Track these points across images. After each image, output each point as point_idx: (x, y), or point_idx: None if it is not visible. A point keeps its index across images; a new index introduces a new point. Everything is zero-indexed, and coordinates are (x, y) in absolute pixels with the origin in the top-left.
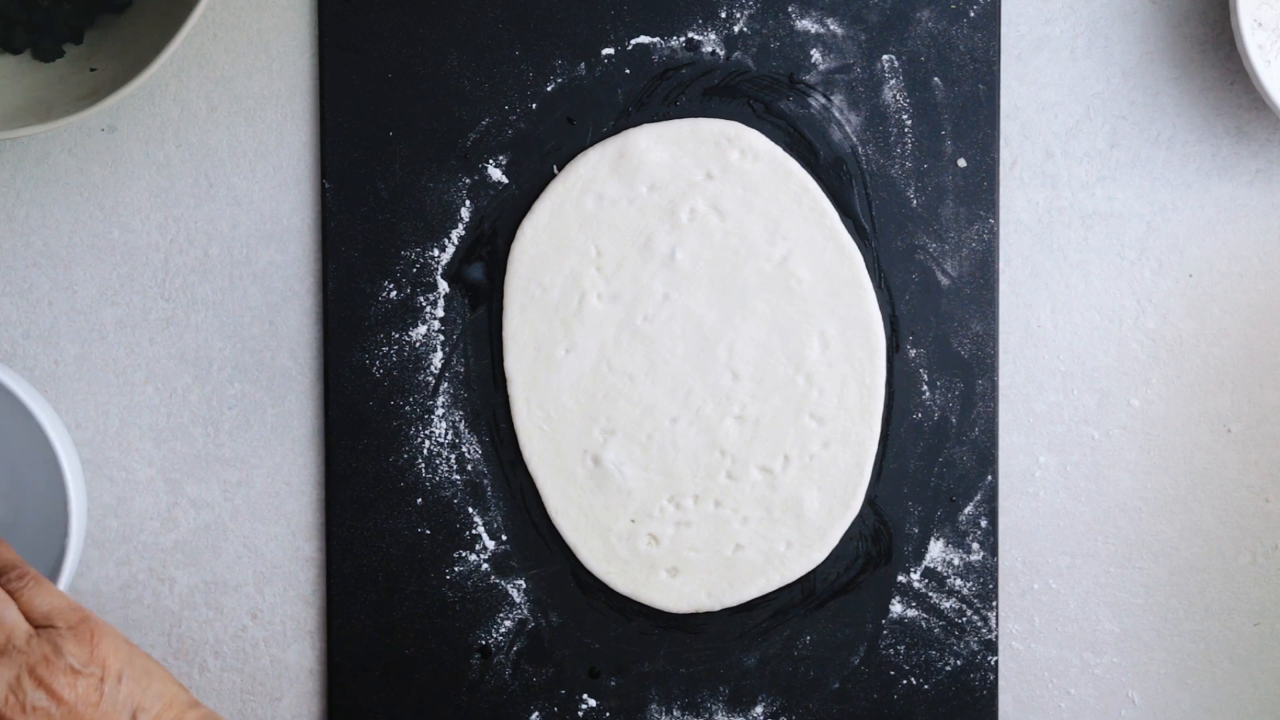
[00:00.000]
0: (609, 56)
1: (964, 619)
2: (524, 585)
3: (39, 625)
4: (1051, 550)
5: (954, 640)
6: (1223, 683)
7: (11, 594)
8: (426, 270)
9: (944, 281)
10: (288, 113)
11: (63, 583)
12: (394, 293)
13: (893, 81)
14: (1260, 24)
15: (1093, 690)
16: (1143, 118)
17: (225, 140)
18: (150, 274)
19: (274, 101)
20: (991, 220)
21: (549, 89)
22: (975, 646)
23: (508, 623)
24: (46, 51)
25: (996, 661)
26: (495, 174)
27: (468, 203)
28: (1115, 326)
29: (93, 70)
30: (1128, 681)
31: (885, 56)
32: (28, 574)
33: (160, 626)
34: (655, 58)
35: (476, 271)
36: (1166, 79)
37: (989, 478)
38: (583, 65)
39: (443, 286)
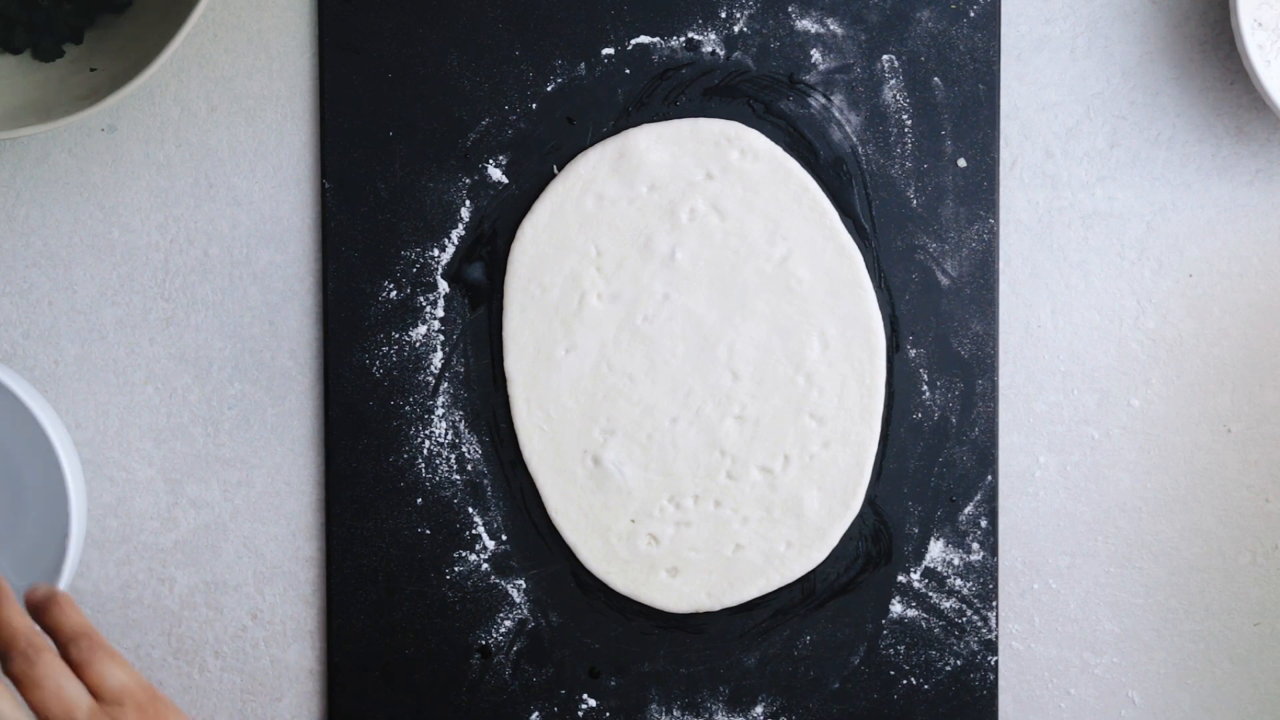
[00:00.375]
0: (609, 56)
1: (964, 619)
2: (524, 585)
3: (107, 701)
4: (1051, 550)
5: (954, 640)
6: (1223, 683)
7: (81, 664)
8: (426, 270)
9: (944, 281)
10: (288, 113)
11: (63, 582)
12: (394, 293)
13: (893, 81)
14: (1260, 24)
15: (1093, 690)
16: (1143, 118)
17: (225, 140)
18: (150, 274)
19: (274, 101)
20: (991, 220)
21: (549, 89)
22: (975, 646)
23: (508, 623)
24: (46, 51)
25: (996, 661)
26: (495, 174)
27: (468, 203)
28: (1115, 326)
29: (93, 70)
30: (1128, 681)
31: (885, 56)
32: (99, 644)
33: (160, 626)
34: (655, 58)
35: (476, 271)
36: (1166, 79)
37: (989, 478)
38: (583, 65)
39: (443, 286)
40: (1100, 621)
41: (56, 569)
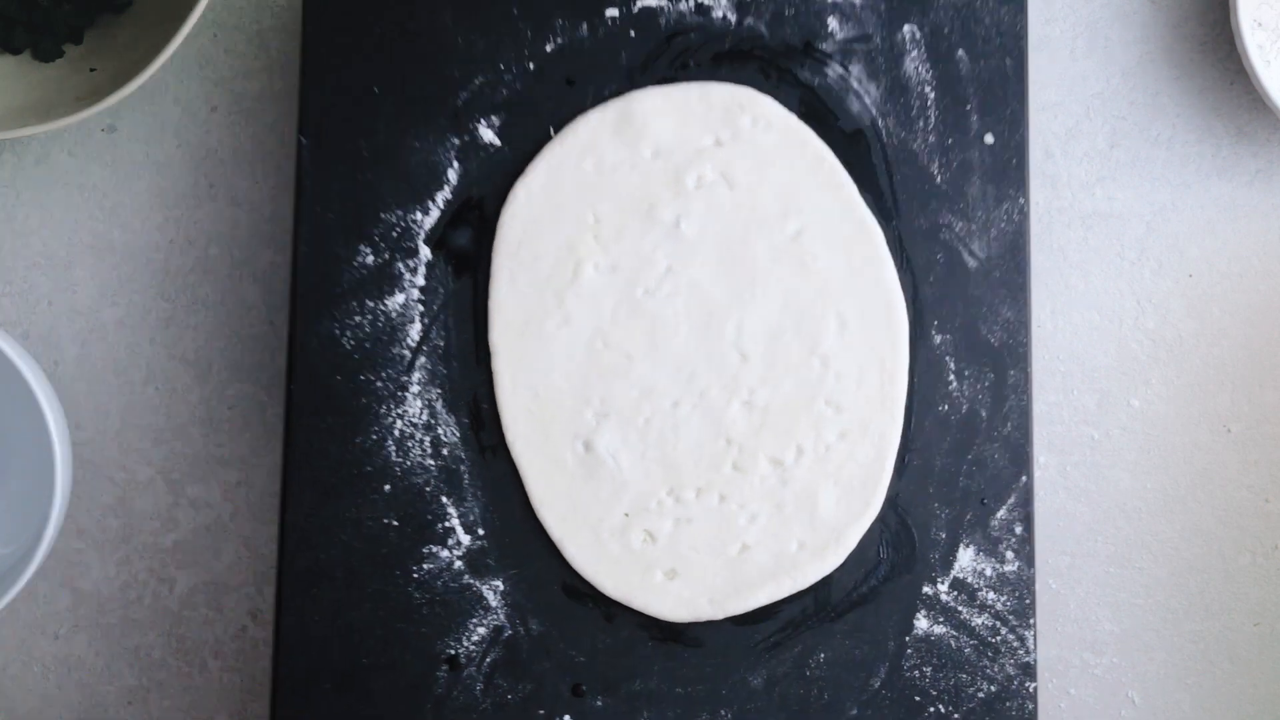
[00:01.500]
0: (613, 18)
1: (998, 638)
2: (501, 587)
3: None
4: (1051, 550)
5: (987, 663)
6: (1223, 683)
7: None
8: (408, 235)
9: (971, 263)
10: (288, 113)
11: (51, 525)
12: (371, 258)
13: (914, 53)
14: (1260, 24)
15: (1093, 690)
16: (1143, 118)
17: (225, 140)
18: (150, 274)
19: (274, 101)
20: (1022, 200)
21: (548, 49)
22: (1011, 670)
23: (481, 630)
24: (46, 51)
25: (1035, 688)
26: (487, 135)
27: (455, 164)
28: (1115, 326)
29: (93, 70)
30: (1128, 681)
31: (906, 27)
32: None
33: (160, 626)
34: (662, 21)
35: (463, 237)
36: (1166, 79)
37: (1023, 479)
38: (584, 26)
39: (425, 253)
40: (1100, 621)
41: (44, 515)
